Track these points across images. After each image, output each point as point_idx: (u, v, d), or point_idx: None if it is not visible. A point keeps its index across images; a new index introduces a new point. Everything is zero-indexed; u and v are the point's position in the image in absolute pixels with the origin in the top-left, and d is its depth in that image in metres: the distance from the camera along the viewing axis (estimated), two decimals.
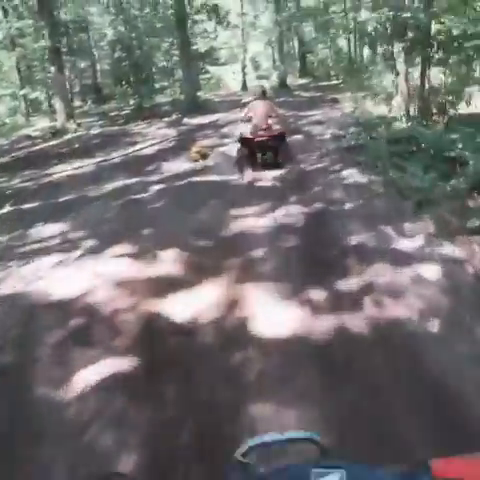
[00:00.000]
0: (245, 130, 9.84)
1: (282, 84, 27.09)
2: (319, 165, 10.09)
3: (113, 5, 25.56)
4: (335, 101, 19.91)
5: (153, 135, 16.50)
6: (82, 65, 29.93)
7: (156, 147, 14.69)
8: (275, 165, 9.42)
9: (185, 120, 18.43)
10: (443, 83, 11.55)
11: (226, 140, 13.97)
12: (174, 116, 19.42)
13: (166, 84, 28.45)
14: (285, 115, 12.25)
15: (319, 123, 15.27)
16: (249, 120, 9.81)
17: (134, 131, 17.82)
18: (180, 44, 20.44)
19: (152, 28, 24.15)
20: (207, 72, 28.34)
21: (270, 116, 9.70)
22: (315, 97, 21.93)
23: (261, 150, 9.37)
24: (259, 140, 9.32)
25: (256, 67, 37.00)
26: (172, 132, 16.67)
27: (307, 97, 22.42)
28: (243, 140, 9.64)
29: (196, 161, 11.82)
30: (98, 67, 32.31)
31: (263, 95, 10.01)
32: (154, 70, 31.78)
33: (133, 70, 25.70)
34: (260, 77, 32.71)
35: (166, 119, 19.22)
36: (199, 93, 24.23)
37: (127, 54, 25.56)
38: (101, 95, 30.26)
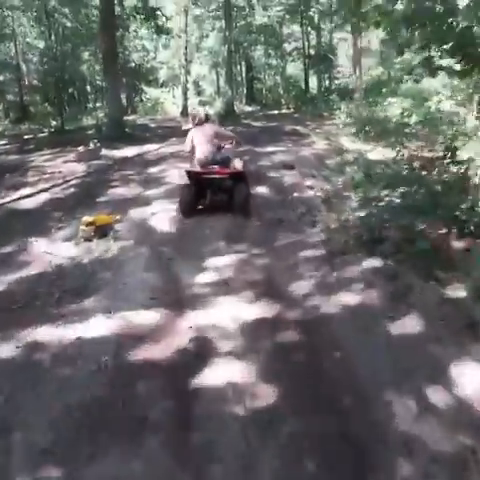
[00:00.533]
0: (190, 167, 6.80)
1: (229, 111, 20.52)
2: (345, 300, 3.99)
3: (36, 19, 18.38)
4: (298, 134, 13.92)
5: (53, 172, 9.95)
6: (1, 78, 22.24)
7: (47, 195, 8.25)
8: (228, 209, 6.24)
9: (103, 152, 11.89)
10: None
11: (151, 191, 7.96)
12: (92, 145, 12.71)
13: (99, 105, 21.83)
14: (238, 139, 7.08)
15: (288, 167, 9.31)
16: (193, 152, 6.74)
17: (34, 164, 11.19)
18: (104, 52, 13.70)
19: (75, 33, 17.06)
20: (143, 92, 21.35)
21: (223, 142, 6.77)
22: (271, 127, 15.82)
23: (212, 189, 6.39)
24: (209, 177, 6.34)
25: (199, 92, 30.52)
26: (81, 168, 10.32)
27: (261, 127, 16.23)
28: (190, 175, 6.49)
29: (88, 240, 5.61)
30: (26, 82, 25.01)
31: (206, 120, 6.84)
32: (89, 88, 25.12)
33: (59, 86, 19.08)
34: (203, 103, 26.31)
35: (81, 148, 12.51)
36: (133, 117, 17.77)
37: (49, 67, 18.67)
38: (26, 114, 22.86)
